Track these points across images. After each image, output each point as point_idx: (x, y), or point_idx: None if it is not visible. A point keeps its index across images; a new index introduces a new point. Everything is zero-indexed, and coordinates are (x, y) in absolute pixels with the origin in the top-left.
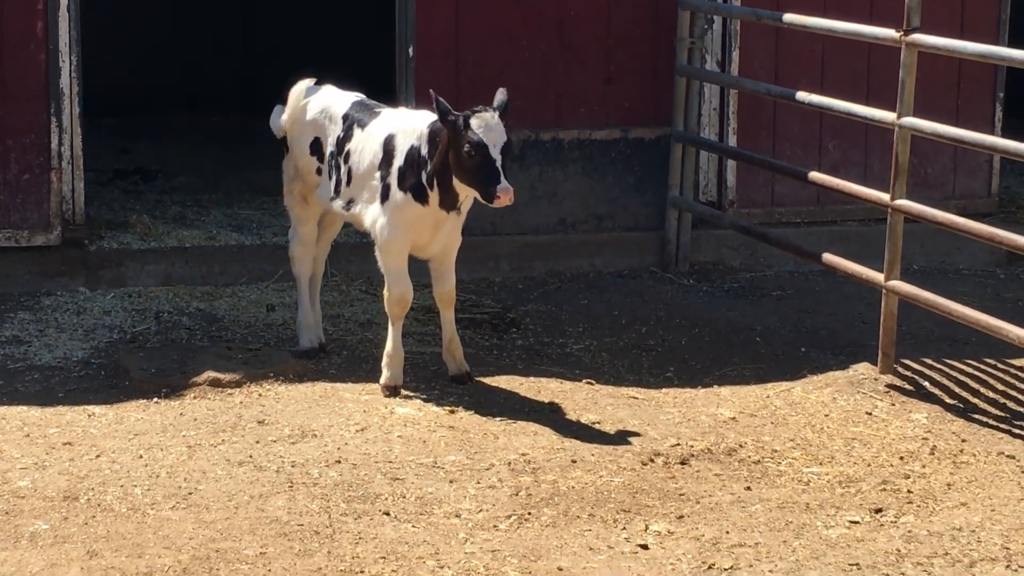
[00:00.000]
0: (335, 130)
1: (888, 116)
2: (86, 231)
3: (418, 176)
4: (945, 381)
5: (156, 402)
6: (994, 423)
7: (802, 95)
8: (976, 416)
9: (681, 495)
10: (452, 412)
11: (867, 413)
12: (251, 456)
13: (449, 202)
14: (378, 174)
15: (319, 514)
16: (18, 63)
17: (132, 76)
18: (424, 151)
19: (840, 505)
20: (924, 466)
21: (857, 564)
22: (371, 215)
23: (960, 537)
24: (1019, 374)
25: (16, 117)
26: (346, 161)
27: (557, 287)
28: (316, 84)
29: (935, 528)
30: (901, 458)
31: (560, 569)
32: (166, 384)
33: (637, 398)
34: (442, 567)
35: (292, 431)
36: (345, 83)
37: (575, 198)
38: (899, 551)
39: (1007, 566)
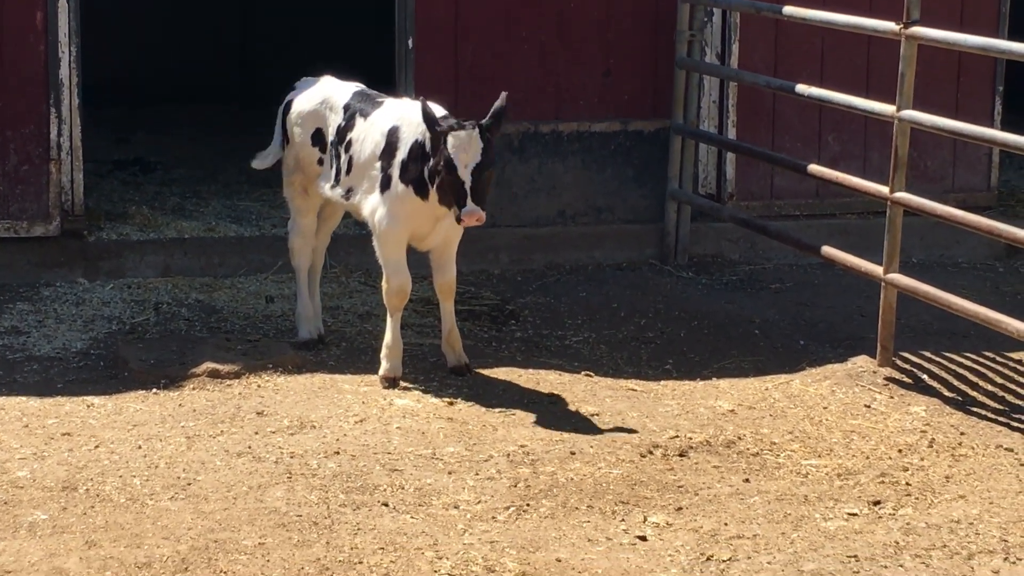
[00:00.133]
0: (336, 119)
1: (887, 109)
2: (85, 222)
3: (420, 171)
4: (944, 374)
5: (155, 393)
6: (993, 416)
7: (801, 88)
8: (975, 409)
9: (679, 487)
10: (451, 404)
11: (866, 406)
12: (250, 447)
13: (448, 199)
14: (379, 164)
15: (318, 505)
16: (17, 53)
17: (131, 67)
18: (428, 147)
19: (838, 497)
20: (922, 459)
21: (855, 556)
22: (370, 205)
23: (958, 529)
24: (1018, 367)
25: (15, 107)
26: (347, 150)
27: (556, 279)
28: (313, 75)
29: (933, 520)
30: (900, 451)
31: (558, 560)
32: (165, 375)
33: (636, 390)
34: (440, 558)
35: (291, 422)
36: (345, 76)
37: (574, 190)
38: (897, 543)
39: (1005, 558)
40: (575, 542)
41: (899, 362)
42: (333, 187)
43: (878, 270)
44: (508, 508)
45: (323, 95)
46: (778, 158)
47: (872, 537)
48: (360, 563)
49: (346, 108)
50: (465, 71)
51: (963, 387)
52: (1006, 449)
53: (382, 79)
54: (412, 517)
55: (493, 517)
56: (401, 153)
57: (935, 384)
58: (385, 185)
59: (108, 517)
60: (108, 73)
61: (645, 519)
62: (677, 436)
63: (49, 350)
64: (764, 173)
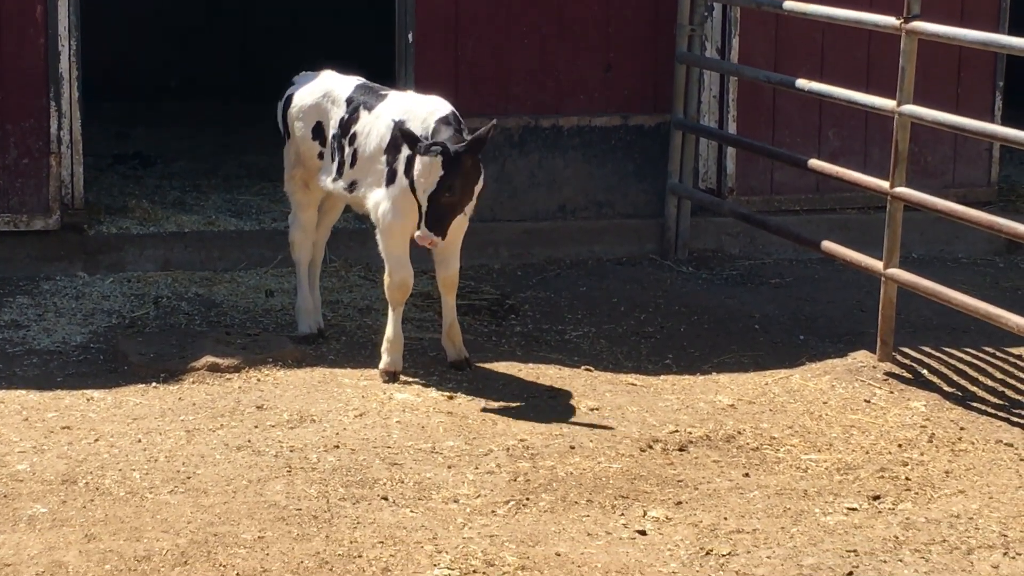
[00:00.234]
0: (338, 112)
1: (888, 104)
2: (85, 216)
3: None
4: (944, 369)
5: (155, 387)
6: (992, 411)
7: (802, 83)
8: (974, 404)
9: (679, 481)
10: (451, 398)
11: (865, 401)
12: (249, 441)
13: None
14: (384, 158)
15: (317, 499)
16: (17, 47)
17: (131, 61)
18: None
19: (838, 492)
20: (922, 454)
21: (855, 551)
22: (374, 199)
23: (958, 524)
24: (1017, 362)
25: (15, 101)
26: (351, 143)
27: (556, 274)
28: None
29: (933, 515)
30: (899, 445)
31: (558, 554)
32: (165, 369)
33: (636, 385)
34: (440, 552)
35: (291, 416)
36: (345, 71)
37: (575, 185)
38: (897, 538)
39: (1004, 553)
40: (575, 536)
41: (899, 357)
42: (335, 180)
43: (878, 265)
44: (508, 502)
45: (325, 88)
46: (778, 153)
47: (871, 532)
48: (359, 557)
49: (349, 101)
50: (465, 65)
51: (963, 382)
52: (1006, 444)
53: (382, 74)
54: (412, 511)
55: (493, 511)
56: (406, 148)
57: (935, 379)
58: (390, 179)
59: (108, 510)
60: (108, 67)
61: (645, 513)
62: (677, 431)
63: (49, 344)
64: (764, 168)
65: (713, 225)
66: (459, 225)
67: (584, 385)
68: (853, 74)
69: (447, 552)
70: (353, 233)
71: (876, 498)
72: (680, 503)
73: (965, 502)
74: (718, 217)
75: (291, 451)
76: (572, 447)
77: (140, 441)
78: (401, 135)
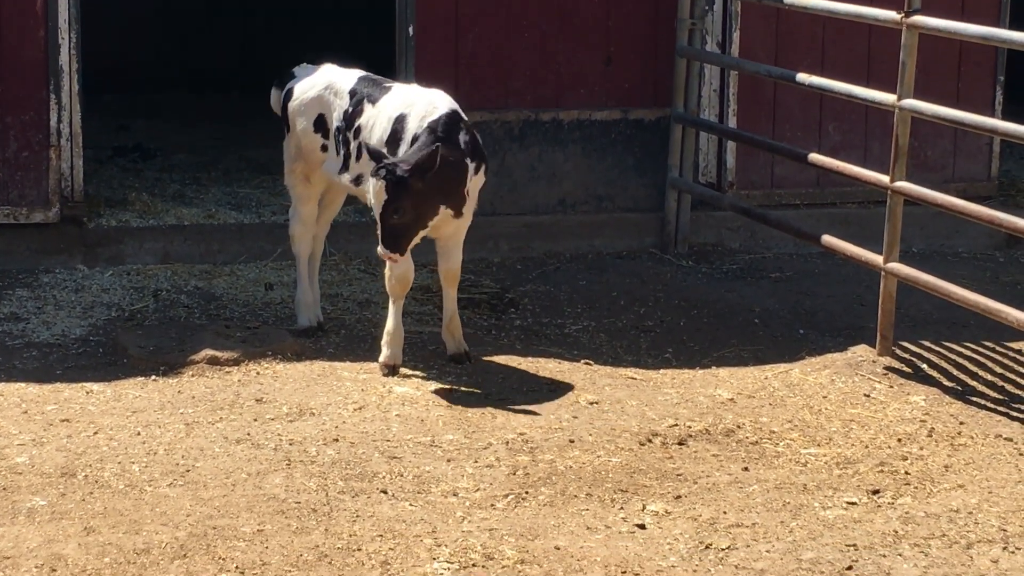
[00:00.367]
0: (341, 105)
1: (888, 98)
2: (85, 208)
3: None
4: (943, 363)
5: (154, 380)
6: (992, 406)
7: (802, 77)
8: (974, 399)
9: (679, 475)
10: (450, 391)
11: (865, 395)
12: (249, 434)
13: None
14: (385, 151)
15: (316, 492)
16: (18, 40)
17: (132, 54)
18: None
19: (837, 486)
20: (922, 448)
21: (854, 545)
22: (374, 192)
23: (957, 519)
24: (1017, 357)
25: (15, 94)
26: (356, 136)
27: (556, 268)
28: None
29: (932, 510)
30: (899, 440)
31: (557, 548)
32: (164, 362)
33: (635, 379)
34: (439, 545)
35: (290, 409)
36: (345, 64)
37: (575, 179)
38: (896, 532)
39: (1004, 548)
40: (574, 530)
41: (899, 351)
42: (342, 173)
43: (878, 259)
44: (507, 496)
45: (326, 81)
46: (779, 147)
47: (871, 526)
48: (359, 550)
49: (352, 93)
50: (465, 59)
51: (963, 376)
52: (1005, 439)
53: (382, 69)
54: (411, 504)
55: (492, 505)
56: (404, 144)
57: (934, 373)
58: None
59: (107, 503)
60: (108, 60)
61: (644, 507)
62: (676, 424)
63: (48, 336)
64: (765, 162)
65: (713, 219)
66: (463, 220)
67: (583, 379)
68: (854, 68)
69: (446, 545)
70: (353, 227)
71: (875, 492)
72: (679, 497)
73: (964, 496)
74: (718, 211)
75: (290, 444)
76: (571, 441)
77: (139, 434)
78: (368, 153)
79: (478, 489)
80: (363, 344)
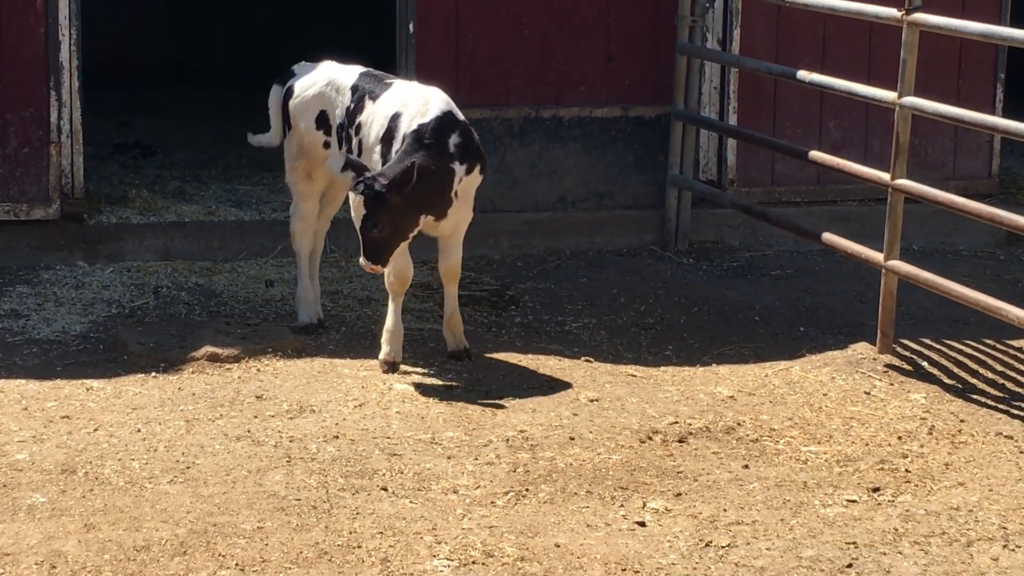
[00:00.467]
0: (343, 101)
1: (889, 96)
2: (85, 205)
3: None
4: (944, 361)
5: (154, 376)
6: (992, 403)
7: (803, 74)
8: (974, 396)
9: (679, 473)
10: (450, 388)
11: (865, 393)
12: (249, 431)
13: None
14: (379, 149)
15: (317, 489)
16: (18, 36)
17: (132, 51)
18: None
19: (838, 484)
20: (922, 446)
21: (854, 543)
22: None
23: (957, 516)
24: (1018, 355)
25: (16, 90)
26: (357, 133)
27: (556, 265)
28: (313, 60)
29: (933, 507)
30: (899, 438)
31: (557, 546)
32: (164, 359)
33: (635, 376)
34: (439, 543)
35: (290, 406)
36: (345, 62)
37: (575, 176)
38: (896, 530)
39: (1004, 545)
40: (574, 527)
41: (899, 349)
42: (344, 169)
43: (878, 257)
44: (507, 493)
45: (328, 77)
46: (779, 144)
47: (871, 524)
48: (359, 547)
49: (354, 89)
50: (466, 56)
51: (963, 374)
52: (1006, 436)
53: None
54: (411, 502)
55: (492, 502)
56: (397, 143)
57: (935, 371)
58: None
59: (107, 500)
60: (108, 57)
61: (644, 505)
62: (676, 422)
63: (48, 333)
64: (765, 159)
65: (713, 217)
66: (461, 218)
67: (584, 376)
68: (854, 66)
69: (446, 543)
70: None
71: (876, 490)
72: (679, 494)
73: (965, 494)
74: (718, 209)
75: (291, 441)
76: (572, 438)
77: (139, 431)
78: (348, 166)
79: (478, 486)
80: (363, 341)
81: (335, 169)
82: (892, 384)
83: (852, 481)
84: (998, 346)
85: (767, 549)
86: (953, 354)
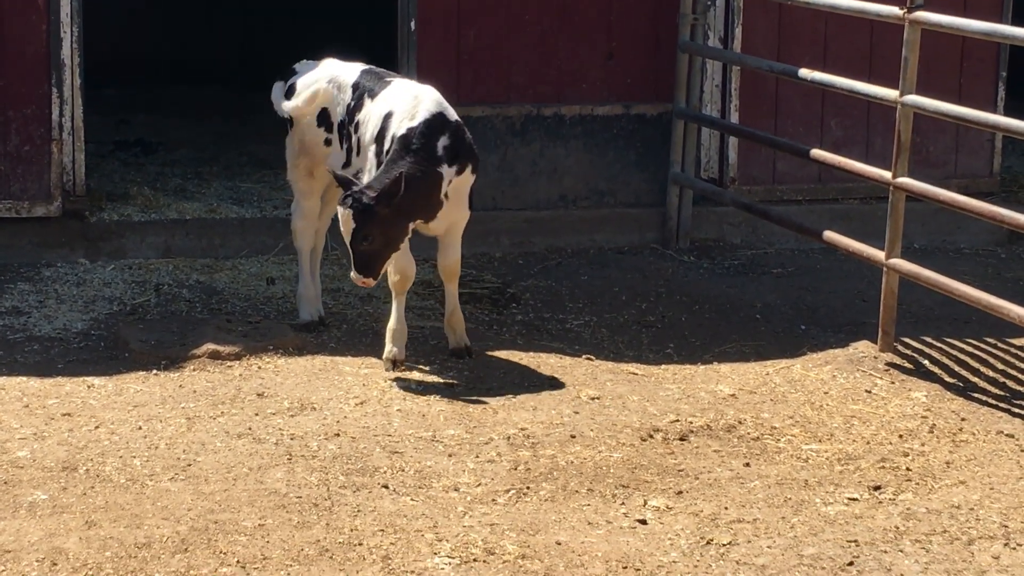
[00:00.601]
0: (344, 99)
1: (891, 94)
2: (86, 202)
3: None
4: (945, 360)
5: (155, 374)
6: (994, 402)
7: (804, 72)
8: (976, 395)
9: (680, 471)
10: (452, 386)
11: (866, 391)
12: (250, 428)
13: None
14: (373, 148)
15: (318, 487)
16: (20, 33)
17: (133, 49)
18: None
19: (839, 482)
20: (923, 444)
21: (855, 541)
22: None
23: (959, 515)
24: (1019, 353)
25: (17, 88)
26: (356, 131)
27: (557, 263)
28: (314, 58)
29: (934, 506)
30: (900, 436)
31: (558, 543)
32: (166, 356)
33: (637, 374)
34: (440, 540)
35: (291, 404)
36: (346, 59)
37: (576, 174)
38: (897, 528)
39: (1005, 544)
40: (575, 525)
41: (900, 347)
42: (345, 167)
43: (880, 255)
44: (508, 491)
45: (330, 75)
46: (780, 143)
47: (872, 522)
48: (360, 545)
49: (355, 87)
50: (467, 53)
51: (964, 373)
52: (1007, 435)
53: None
54: (412, 499)
55: (493, 500)
56: (387, 143)
57: (936, 370)
58: (378, 171)
59: (108, 497)
60: (109, 55)
61: (645, 503)
62: (678, 420)
63: (50, 330)
64: (766, 158)
65: (715, 215)
66: (457, 217)
67: (585, 374)
68: (856, 64)
69: (447, 540)
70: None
71: (877, 488)
72: (681, 492)
73: (966, 493)
74: (720, 207)
75: (292, 439)
76: (573, 436)
77: (141, 428)
78: (335, 180)
79: (479, 484)
80: (364, 339)
81: (335, 167)
82: (893, 382)
83: (853, 479)
84: (999, 344)
85: (768, 547)
86: (954, 352)
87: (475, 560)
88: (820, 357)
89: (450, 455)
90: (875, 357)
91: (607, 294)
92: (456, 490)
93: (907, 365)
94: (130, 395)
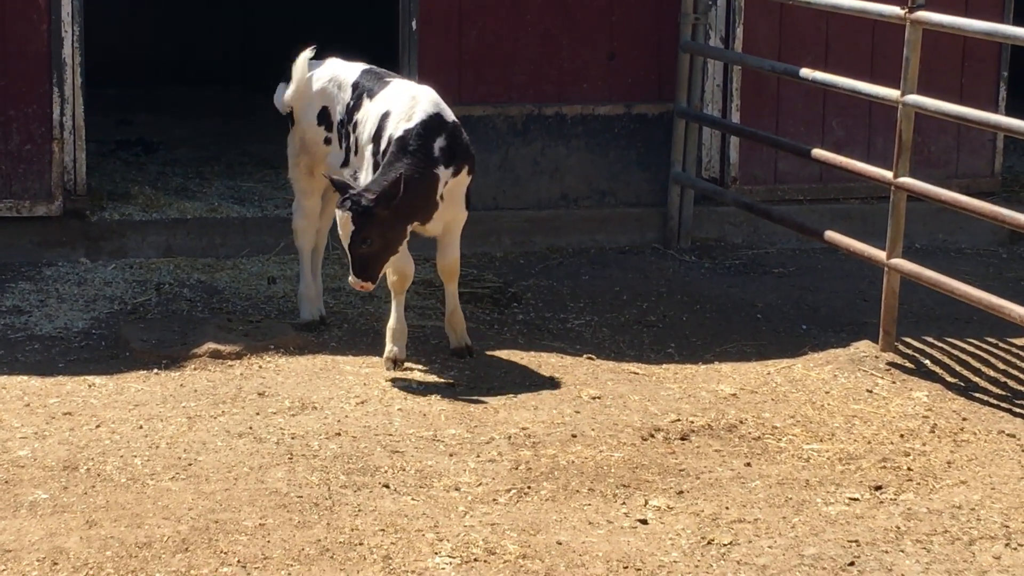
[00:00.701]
0: (344, 98)
1: (892, 94)
2: (87, 202)
3: None
4: (946, 359)
5: (156, 373)
6: (995, 402)
7: (806, 72)
8: (977, 395)
9: (681, 471)
10: (452, 385)
11: (868, 391)
12: (251, 428)
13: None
14: (370, 147)
15: (319, 486)
16: (21, 33)
17: (134, 48)
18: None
19: (840, 482)
20: (924, 444)
21: (856, 541)
22: None
23: (960, 515)
24: (1020, 353)
25: (18, 87)
26: (354, 130)
27: (559, 262)
28: (317, 58)
29: (935, 506)
30: (901, 436)
31: (559, 543)
32: (166, 355)
33: (638, 374)
34: (441, 540)
35: (292, 403)
36: (349, 59)
37: (578, 173)
38: (898, 528)
39: (1006, 544)
40: (576, 525)
41: (901, 347)
42: (344, 166)
43: (881, 255)
44: (509, 490)
45: (331, 73)
46: (782, 142)
47: (873, 522)
48: (361, 544)
49: (355, 86)
50: (469, 53)
51: (965, 372)
52: (1008, 435)
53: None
54: (413, 499)
55: (494, 499)
56: (383, 143)
57: (937, 369)
58: (375, 171)
59: (109, 497)
60: (110, 54)
61: (646, 502)
62: (679, 420)
63: (51, 329)
64: (768, 157)
65: (716, 214)
66: (454, 217)
67: (586, 373)
68: (857, 63)
69: (448, 540)
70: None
71: (878, 488)
72: (682, 492)
73: (967, 493)
74: (721, 206)
75: (292, 438)
76: (574, 435)
77: (141, 427)
78: (332, 185)
79: (480, 484)
80: (365, 338)
81: (335, 166)
82: (894, 382)
83: (854, 479)
84: (1000, 344)
85: (769, 547)
86: (955, 352)
87: (476, 560)
88: (821, 357)
89: (451, 455)
90: (876, 357)
91: (608, 294)
92: (457, 490)
93: (908, 365)
94: (131, 394)
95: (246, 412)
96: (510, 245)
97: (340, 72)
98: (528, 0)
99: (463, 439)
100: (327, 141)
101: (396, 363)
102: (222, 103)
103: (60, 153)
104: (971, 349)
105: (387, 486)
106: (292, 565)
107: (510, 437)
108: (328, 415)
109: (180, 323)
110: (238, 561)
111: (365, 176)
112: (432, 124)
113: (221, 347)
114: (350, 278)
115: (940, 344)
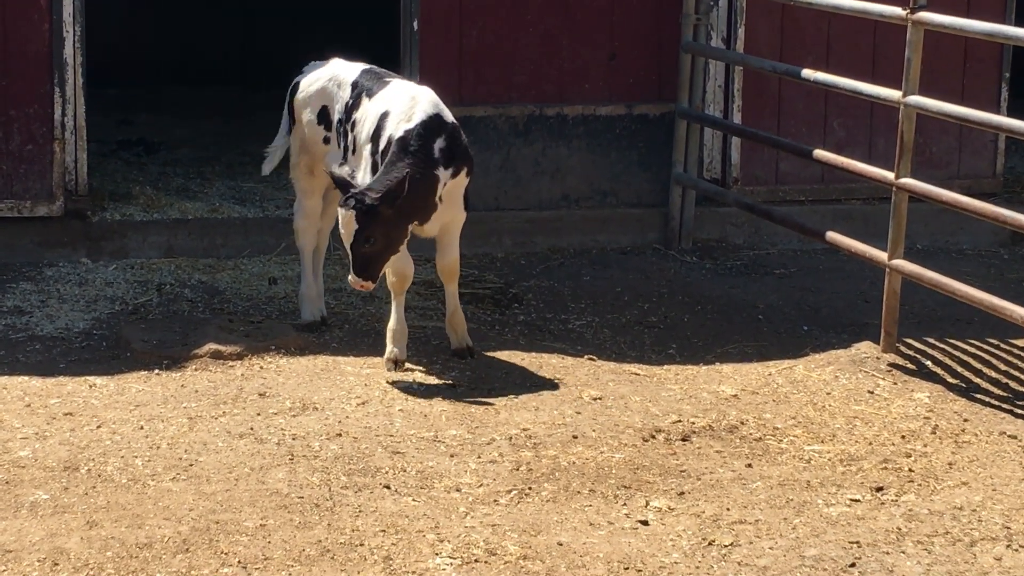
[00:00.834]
0: (343, 97)
1: (894, 94)
2: (89, 202)
3: None
4: (947, 361)
5: (157, 374)
6: (996, 403)
7: (807, 73)
8: (978, 396)
9: (682, 472)
10: (453, 386)
11: (869, 392)
12: (252, 428)
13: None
14: (369, 147)
15: (319, 487)
16: (22, 33)
17: (135, 48)
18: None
19: (841, 483)
20: (926, 445)
21: (857, 542)
22: None
23: (961, 516)
24: (1022, 354)
25: (20, 87)
26: (352, 130)
27: (560, 263)
28: (319, 58)
29: (936, 507)
30: (903, 437)
31: (560, 544)
32: (167, 356)
33: (639, 374)
34: (442, 541)
35: (293, 404)
36: (352, 59)
37: (579, 174)
38: (900, 529)
39: (1008, 545)
40: (577, 526)
41: (903, 348)
42: (342, 166)
43: (882, 256)
44: (510, 491)
45: (331, 73)
46: (783, 143)
47: (874, 523)
48: (361, 545)
49: (354, 86)
50: (470, 53)
51: (967, 374)
52: (1009, 436)
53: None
54: (414, 500)
55: (495, 500)
56: (382, 143)
57: (939, 370)
58: (374, 171)
59: (109, 497)
60: (111, 54)
61: (647, 503)
62: (680, 421)
63: (52, 330)
64: (769, 158)
65: (717, 215)
66: (452, 218)
67: (587, 374)
68: (859, 64)
69: (449, 541)
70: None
71: (879, 489)
72: (683, 493)
73: (968, 494)
74: (722, 207)
75: (293, 439)
76: (575, 436)
77: (142, 428)
78: (335, 182)
79: (481, 484)
80: (366, 339)
81: (333, 165)
82: (896, 383)
83: (855, 480)
84: (1002, 345)
85: (770, 548)
86: (957, 353)
87: (477, 561)
88: (822, 358)
89: (452, 455)
90: (877, 358)
91: (609, 294)
92: (458, 490)
93: (909, 366)
94: (132, 395)
95: (247, 413)
96: (511, 246)
97: (340, 71)
98: (529, 0)
99: (464, 440)
100: (326, 140)
101: (397, 364)
102: (222, 103)
103: (61, 153)
104: (972, 350)
105: (388, 487)
106: (293, 566)
107: (511, 438)
108: (329, 416)
109: (181, 324)
110: (239, 562)
111: (362, 175)
112: (432, 125)
113: (222, 348)
114: (350, 277)
115: (941, 345)
